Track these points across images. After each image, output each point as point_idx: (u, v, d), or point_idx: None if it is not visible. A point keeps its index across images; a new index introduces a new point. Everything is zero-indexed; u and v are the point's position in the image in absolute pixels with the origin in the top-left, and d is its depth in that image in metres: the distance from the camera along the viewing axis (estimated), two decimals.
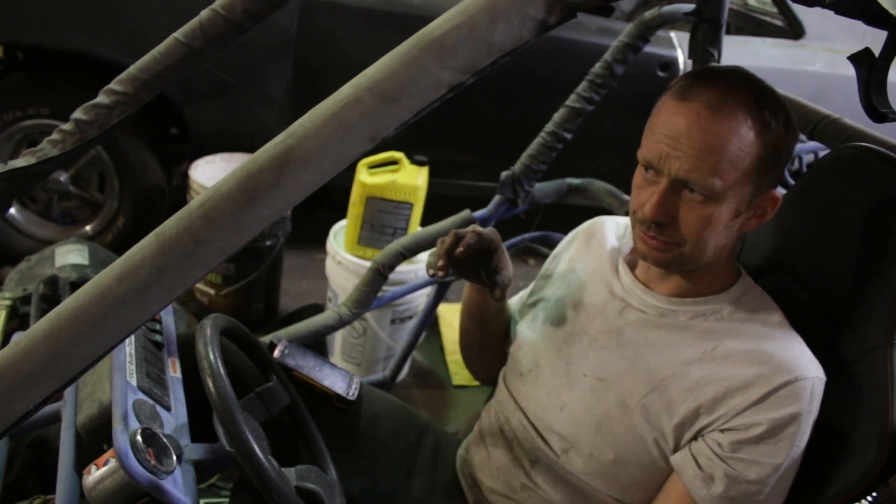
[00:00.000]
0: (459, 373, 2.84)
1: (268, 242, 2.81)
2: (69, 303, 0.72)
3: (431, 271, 1.26)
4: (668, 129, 1.09)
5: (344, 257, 2.58)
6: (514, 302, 1.53)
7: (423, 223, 2.41)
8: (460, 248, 1.22)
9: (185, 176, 2.90)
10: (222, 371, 1.04)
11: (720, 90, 1.08)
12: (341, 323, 1.90)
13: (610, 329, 1.25)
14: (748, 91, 1.10)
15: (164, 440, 1.00)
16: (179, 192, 3.18)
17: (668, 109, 1.11)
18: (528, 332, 1.37)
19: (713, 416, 1.12)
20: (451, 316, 3.15)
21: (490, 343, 1.48)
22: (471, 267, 1.29)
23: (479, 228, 1.26)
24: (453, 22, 0.67)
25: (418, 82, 0.68)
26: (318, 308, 3.01)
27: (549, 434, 1.26)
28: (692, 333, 1.18)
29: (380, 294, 1.91)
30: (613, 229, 1.39)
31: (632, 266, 1.30)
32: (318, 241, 2.87)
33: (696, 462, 1.13)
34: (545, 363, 1.30)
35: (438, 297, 2.22)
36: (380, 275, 1.86)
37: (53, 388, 0.73)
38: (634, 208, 1.16)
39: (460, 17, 0.67)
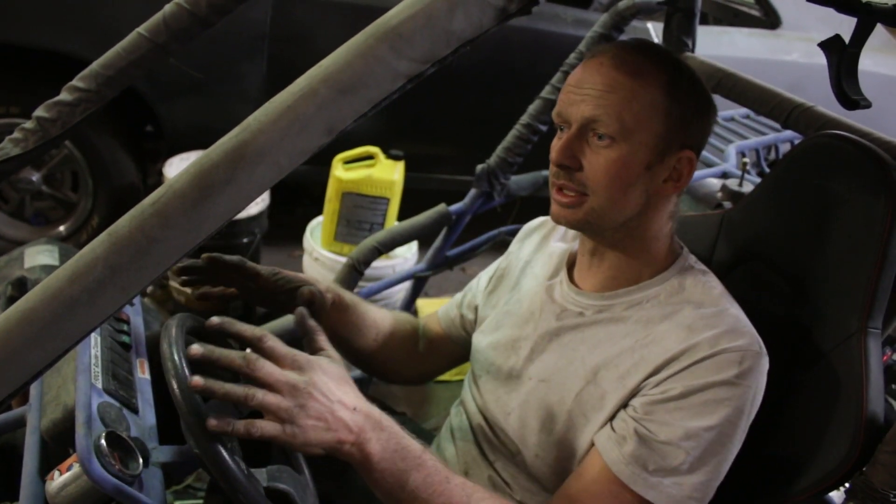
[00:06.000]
0: None
1: (244, 240, 2.78)
2: (19, 305, 0.70)
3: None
4: (574, 79, 1.13)
5: (321, 253, 2.56)
6: (458, 298, 1.52)
7: (401, 218, 2.40)
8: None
9: (161, 174, 2.87)
10: (187, 371, 1.02)
11: (624, 45, 1.13)
12: None
13: (550, 332, 1.24)
14: (651, 49, 1.15)
15: (130, 443, 0.98)
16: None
17: (577, 68, 1.15)
18: (480, 338, 1.37)
19: (636, 390, 1.10)
20: (429, 310, 3.12)
21: (381, 353, 1.47)
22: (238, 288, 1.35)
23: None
24: (410, 10, 0.65)
25: (375, 73, 0.66)
26: None
27: (504, 435, 1.26)
28: (627, 324, 1.17)
29: (356, 290, 1.89)
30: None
31: (570, 267, 1.29)
32: (296, 238, 2.85)
33: (611, 427, 1.11)
34: (495, 370, 1.30)
35: (416, 292, 2.20)
36: (355, 271, 1.84)
37: (5, 394, 0.71)
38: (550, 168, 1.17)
39: (417, 5, 0.65)
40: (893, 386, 2.08)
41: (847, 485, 1.10)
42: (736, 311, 1.13)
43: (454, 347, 1.52)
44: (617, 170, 1.10)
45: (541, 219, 1.45)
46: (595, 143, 1.10)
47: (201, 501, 1.88)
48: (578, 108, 1.10)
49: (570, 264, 1.30)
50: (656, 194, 1.15)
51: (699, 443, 1.05)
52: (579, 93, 1.11)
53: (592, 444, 1.13)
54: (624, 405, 1.11)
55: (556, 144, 1.13)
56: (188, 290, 1.33)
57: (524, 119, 1.99)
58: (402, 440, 0.98)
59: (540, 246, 1.39)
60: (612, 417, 1.12)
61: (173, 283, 2.87)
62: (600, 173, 1.10)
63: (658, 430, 1.06)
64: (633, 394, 1.10)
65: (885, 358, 2.05)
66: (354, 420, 0.93)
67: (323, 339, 0.99)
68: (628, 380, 1.11)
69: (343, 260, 2.33)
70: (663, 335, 1.11)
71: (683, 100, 1.12)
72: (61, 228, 3.05)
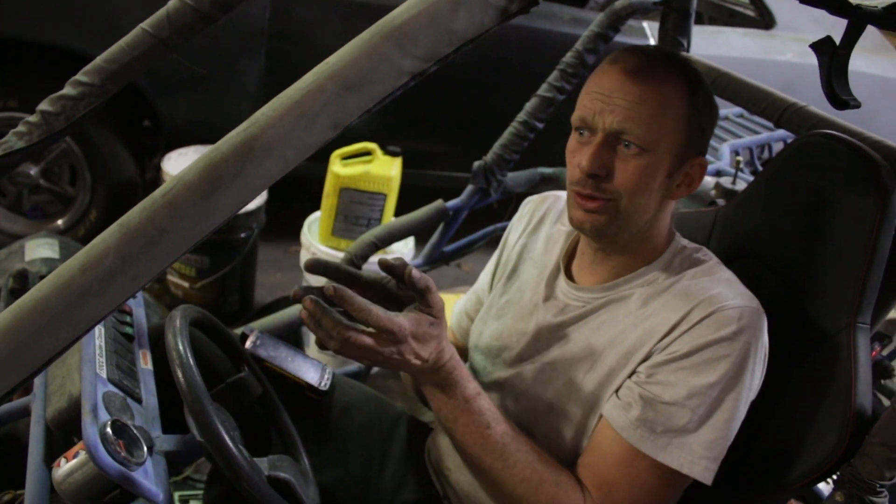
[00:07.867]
0: None
1: (242, 235, 2.79)
2: (32, 294, 0.72)
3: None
4: (600, 87, 1.14)
5: (318, 249, 2.57)
6: (466, 300, 1.52)
7: (397, 213, 2.41)
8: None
9: (159, 169, 2.88)
10: (192, 361, 1.04)
11: (648, 54, 1.15)
12: None
13: (554, 326, 1.26)
14: (674, 59, 1.17)
15: (135, 432, 1.00)
16: (153, 185, 3.16)
17: (599, 73, 1.16)
18: (480, 326, 1.38)
19: (644, 360, 1.13)
20: None
21: None
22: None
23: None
24: (414, 10, 0.67)
25: (380, 70, 0.68)
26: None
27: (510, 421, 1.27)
28: (628, 303, 1.20)
29: None
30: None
31: (568, 258, 1.31)
32: (293, 233, 2.87)
33: (616, 395, 1.14)
34: (498, 360, 1.31)
35: None
36: (353, 266, 1.85)
37: (16, 381, 0.73)
38: (570, 173, 1.17)
39: (421, 4, 0.67)
40: (882, 381, 2.11)
41: (835, 476, 1.13)
42: (730, 276, 1.18)
43: None
44: (644, 178, 1.13)
45: (531, 201, 1.47)
46: (623, 152, 1.12)
47: (201, 492, 1.90)
48: (607, 118, 1.11)
49: (567, 256, 1.32)
50: (669, 198, 1.18)
51: (703, 400, 1.08)
52: (609, 102, 1.11)
53: (601, 417, 1.16)
54: (630, 375, 1.14)
55: (582, 151, 1.14)
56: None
57: (521, 116, 2.01)
58: (453, 388, 1.13)
59: (535, 228, 1.40)
60: (618, 389, 1.15)
61: (171, 278, 2.89)
62: (629, 181, 1.12)
63: (662, 391, 1.09)
64: (641, 363, 1.13)
65: (873, 353, 2.07)
66: (419, 367, 1.09)
67: (433, 298, 1.09)
68: (636, 354, 1.14)
69: (340, 255, 2.35)
70: (663, 307, 1.15)
71: (701, 109, 1.15)
72: (59, 222, 3.06)
